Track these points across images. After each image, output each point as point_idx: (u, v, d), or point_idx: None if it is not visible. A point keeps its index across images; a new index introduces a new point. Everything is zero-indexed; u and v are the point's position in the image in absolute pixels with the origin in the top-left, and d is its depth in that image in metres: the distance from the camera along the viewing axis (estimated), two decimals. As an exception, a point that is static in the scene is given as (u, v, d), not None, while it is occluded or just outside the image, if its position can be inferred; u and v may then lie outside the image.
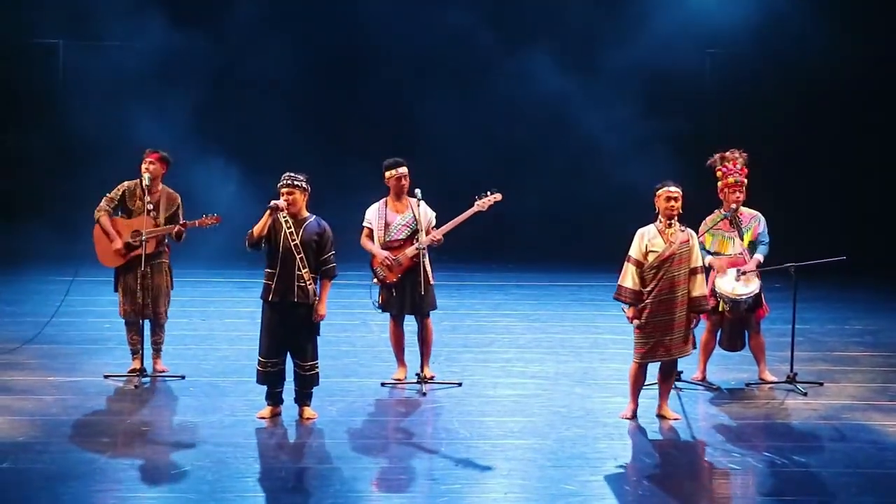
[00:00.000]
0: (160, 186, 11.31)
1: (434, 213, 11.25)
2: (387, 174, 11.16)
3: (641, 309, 9.97)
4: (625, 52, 18.74)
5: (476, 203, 11.18)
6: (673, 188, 10.01)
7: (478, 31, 18.95)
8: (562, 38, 19.20)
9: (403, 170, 11.15)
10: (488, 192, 11.20)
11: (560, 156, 19.57)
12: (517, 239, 19.18)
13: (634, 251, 10.02)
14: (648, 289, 9.96)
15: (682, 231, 10.01)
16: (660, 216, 10.02)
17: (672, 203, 9.97)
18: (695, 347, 10.23)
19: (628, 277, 10.02)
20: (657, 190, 10.07)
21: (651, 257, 9.95)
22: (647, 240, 9.99)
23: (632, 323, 10.06)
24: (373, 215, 11.23)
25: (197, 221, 11.20)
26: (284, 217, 9.85)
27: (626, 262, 10.05)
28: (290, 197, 9.84)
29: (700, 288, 10.00)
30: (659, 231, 10.00)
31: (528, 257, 19.01)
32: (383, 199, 11.26)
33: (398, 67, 19.47)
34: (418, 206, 11.08)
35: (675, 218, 9.99)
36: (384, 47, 19.35)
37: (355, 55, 19.53)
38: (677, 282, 9.93)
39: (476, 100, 19.53)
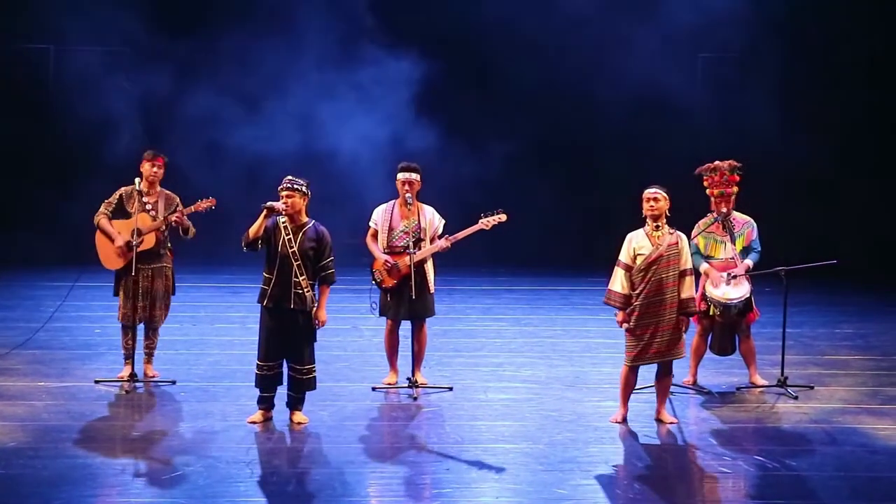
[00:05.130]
0: (158, 188, 11.31)
1: (443, 221, 11.27)
2: (398, 176, 11.16)
3: (631, 312, 10.02)
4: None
5: (480, 221, 11.23)
6: (652, 189, 10.08)
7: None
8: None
9: (412, 176, 11.11)
10: (494, 212, 11.25)
11: (554, 162, 19.61)
12: (509, 243, 19.18)
13: (623, 255, 10.08)
14: (637, 291, 10.01)
15: (671, 234, 10.05)
16: (647, 219, 10.08)
17: (651, 204, 10.05)
18: (685, 351, 10.25)
19: (617, 281, 10.08)
20: (643, 193, 10.16)
21: (639, 260, 10.00)
22: (636, 243, 10.05)
23: (621, 327, 10.10)
24: (379, 216, 11.24)
25: (192, 207, 11.21)
26: (283, 223, 9.86)
27: (615, 267, 10.10)
28: (290, 200, 9.85)
29: (689, 290, 10.04)
30: (647, 234, 10.06)
31: (520, 261, 19.02)
32: (392, 202, 11.26)
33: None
34: (424, 213, 11.11)
35: (661, 220, 10.05)
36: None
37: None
38: (665, 284, 9.97)
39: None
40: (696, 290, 11.17)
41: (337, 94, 18.09)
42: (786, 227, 17.33)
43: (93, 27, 18.18)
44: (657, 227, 10.05)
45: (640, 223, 10.16)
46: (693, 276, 10.15)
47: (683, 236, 10.15)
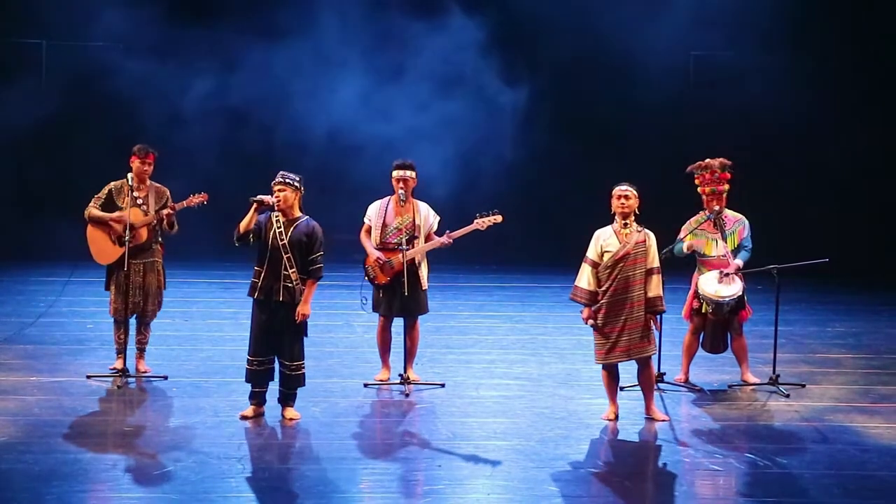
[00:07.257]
0: (148, 182, 11.31)
1: (437, 219, 11.27)
2: (393, 174, 11.16)
3: (597, 310, 10.03)
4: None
5: (476, 221, 11.24)
6: (623, 187, 10.10)
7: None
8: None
9: (408, 173, 11.12)
10: (490, 212, 11.25)
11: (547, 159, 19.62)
12: (501, 240, 19.18)
13: (590, 251, 10.11)
14: (603, 289, 10.02)
15: (639, 231, 10.06)
16: (615, 216, 10.09)
17: (622, 201, 10.06)
18: (654, 348, 10.19)
19: (584, 278, 10.11)
20: (612, 190, 10.16)
21: (606, 257, 10.01)
22: (603, 240, 10.08)
23: (587, 323, 10.12)
24: (374, 213, 11.24)
25: (185, 202, 11.22)
26: (276, 217, 9.87)
27: (582, 263, 10.13)
28: (281, 195, 9.86)
29: (656, 289, 10.02)
30: (615, 231, 10.08)
31: (512, 259, 19.02)
32: (388, 198, 11.26)
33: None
34: (419, 211, 11.13)
35: (630, 218, 10.06)
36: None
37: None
38: (632, 282, 9.98)
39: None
40: (689, 288, 11.23)
41: (364, 74, 18.20)
42: (778, 224, 17.39)
43: (92, 22, 18.20)
44: (625, 224, 10.07)
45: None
46: (660, 275, 10.09)
47: (651, 234, 10.13)
